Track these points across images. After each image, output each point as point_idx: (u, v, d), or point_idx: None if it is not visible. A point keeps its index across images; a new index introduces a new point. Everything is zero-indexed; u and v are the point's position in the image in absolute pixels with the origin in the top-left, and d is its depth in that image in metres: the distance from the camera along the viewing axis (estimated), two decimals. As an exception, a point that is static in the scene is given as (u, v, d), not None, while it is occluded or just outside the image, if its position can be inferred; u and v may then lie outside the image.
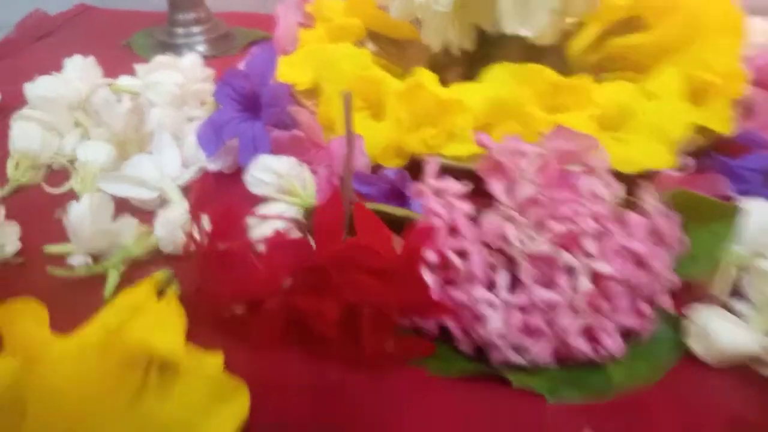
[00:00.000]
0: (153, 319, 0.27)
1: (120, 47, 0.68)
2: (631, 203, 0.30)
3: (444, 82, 0.53)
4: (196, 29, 0.65)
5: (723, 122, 0.41)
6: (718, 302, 0.31)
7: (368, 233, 0.27)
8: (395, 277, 0.26)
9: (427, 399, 0.29)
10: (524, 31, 0.42)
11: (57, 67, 0.52)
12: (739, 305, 0.31)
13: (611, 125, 0.42)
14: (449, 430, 0.27)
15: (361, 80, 0.43)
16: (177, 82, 0.49)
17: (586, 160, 0.29)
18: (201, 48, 0.65)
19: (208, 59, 0.64)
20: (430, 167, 0.31)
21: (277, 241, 0.28)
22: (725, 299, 0.31)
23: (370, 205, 0.36)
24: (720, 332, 0.28)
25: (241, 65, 0.52)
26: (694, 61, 0.44)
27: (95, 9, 0.80)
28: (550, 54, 0.48)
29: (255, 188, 0.39)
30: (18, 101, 0.49)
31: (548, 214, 0.27)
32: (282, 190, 0.40)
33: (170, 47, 0.65)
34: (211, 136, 0.42)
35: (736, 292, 0.32)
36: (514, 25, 0.42)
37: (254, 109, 0.42)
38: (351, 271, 0.25)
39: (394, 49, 0.58)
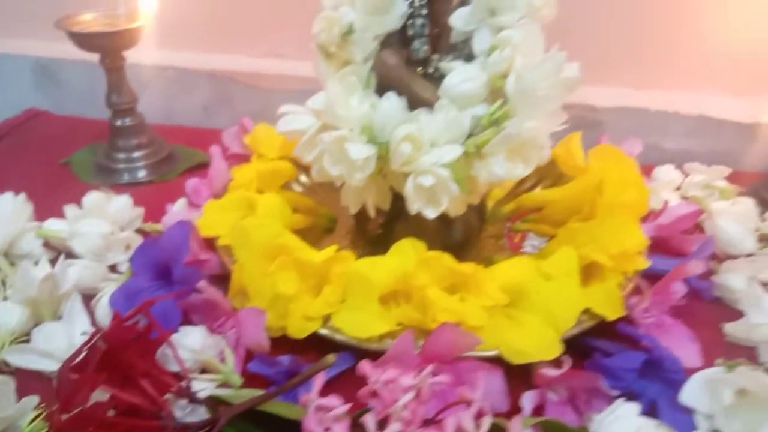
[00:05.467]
0: None
1: (60, 165, 0.70)
2: (501, 429, 0.32)
3: (364, 232, 0.56)
4: (137, 154, 0.67)
5: (611, 307, 0.44)
6: None
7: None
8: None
9: None
10: (428, 213, 0.45)
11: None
12: None
13: (508, 302, 0.45)
14: None
15: (273, 248, 0.45)
16: (103, 233, 0.50)
17: (464, 395, 0.31)
18: (141, 173, 0.67)
19: (145, 185, 0.66)
20: (318, 382, 0.33)
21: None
22: None
23: (267, 406, 0.37)
24: None
25: (166, 220, 0.55)
26: (591, 239, 0.48)
27: (45, 115, 0.82)
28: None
29: (170, 365, 0.40)
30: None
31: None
32: (199, 365, 0.41)
33: (109, 171, 0.66)
34: (124, 303, 0.43)
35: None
36: (419, 207, 0.45)
37: (168, 278, 0.44)
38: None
39: (323, 189, 0.61)
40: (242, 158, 0.65)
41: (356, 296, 0.44)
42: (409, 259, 0.45)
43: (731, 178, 0.65)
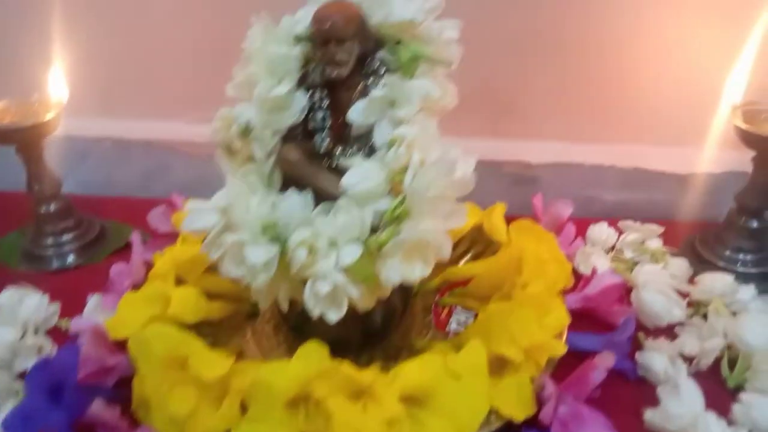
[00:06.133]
0: None
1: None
2: None
3: (286, 318, 0.55)
4: (65, 238, 0.66)
5: (521, 405, 0.43)
6: None
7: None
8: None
9: None
10: (331, 316, 0.44)
11: None
12: None
13: (415, 402, 0.44)
14: None
15: (173, 360, 0.44)
16: (10, 341, 0.49)
17: None
18: (70, 258, 0.65)
19: (74, 270, 0.65)
20: None
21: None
22: None
23: None
24: None
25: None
26: (505, 328, 0.47)
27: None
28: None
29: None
30: None
31: None
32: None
33: (38, 258, 0.65)
34: (17, 426, 0.42)
35: None
36: (320, 311, 0.43)
37: (62, 400, 0.43)
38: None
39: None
40: (172, 238, 0.63)
41: (259, 405, 0.43)
42: (312, 364, 0.44)
43: (668, 231, 0.64)
